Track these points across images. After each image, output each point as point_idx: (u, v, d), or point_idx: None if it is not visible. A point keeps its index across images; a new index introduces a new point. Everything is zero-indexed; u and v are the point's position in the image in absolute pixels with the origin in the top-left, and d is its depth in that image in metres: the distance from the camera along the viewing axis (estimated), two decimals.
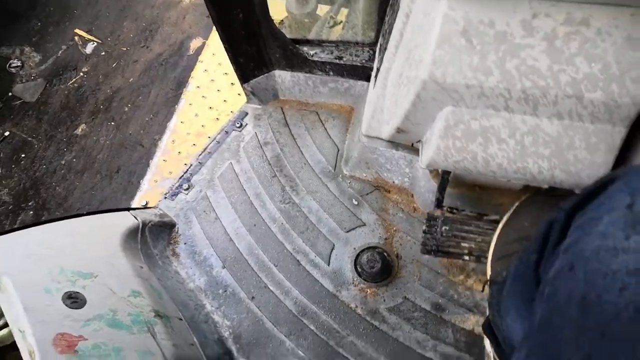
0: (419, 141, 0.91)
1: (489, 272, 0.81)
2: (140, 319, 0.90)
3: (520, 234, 0.80)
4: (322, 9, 1.36)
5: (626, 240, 0.35)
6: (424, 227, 0.93)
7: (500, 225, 0.83)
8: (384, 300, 1.04)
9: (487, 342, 0.80)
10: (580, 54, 0.64)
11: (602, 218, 0.38)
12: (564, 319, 0.36)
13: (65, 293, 0.83)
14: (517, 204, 0.82)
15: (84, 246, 0.95)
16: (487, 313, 0.77)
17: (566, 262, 0.39)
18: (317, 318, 1.03)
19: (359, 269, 1.05)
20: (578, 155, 0.71)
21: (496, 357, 0.84)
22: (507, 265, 0.78)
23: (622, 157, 0.72)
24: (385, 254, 1.07)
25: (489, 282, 0.80)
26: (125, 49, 2.00)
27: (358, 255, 1.07)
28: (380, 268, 1.02)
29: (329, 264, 1.07)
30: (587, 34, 0.63)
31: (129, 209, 1.09)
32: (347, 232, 1.10)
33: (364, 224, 1.11)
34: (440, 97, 0.73)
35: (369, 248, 1.07)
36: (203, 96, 1.42)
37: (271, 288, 1.06)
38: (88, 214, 1.02)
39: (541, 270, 0.46)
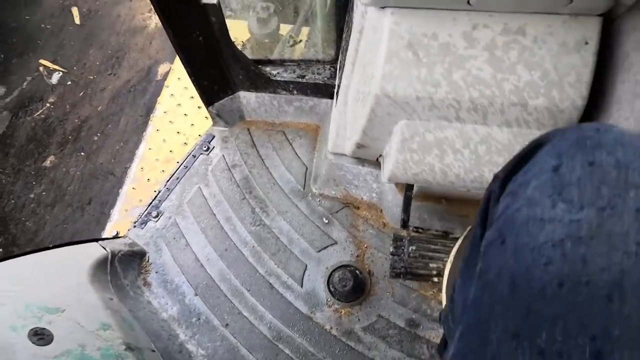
0: (381, 156, 0.92)
1: (444, 298, 0.78)
2: (110, 352, 0.88)
3: None
4: (285, 29, 1.38)
5: (552, 209, 0.34)
6: (390, 249, 0.92)
7: (454, 250, 0.82)
8: (359, 320, 1.03)
9: None
10: (520, 62, 0.65)
11: (529, 182, 0.36)
12: (495, 296, 0.35)
13: (31, 330, 0.81)
14: (469, 228, 0.80)
15: (50, 280, 0.93)
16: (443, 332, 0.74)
17: (497, 234, 0.37)
18: (293, 342, 1.02)
19: (332, 289, 1.05)
20: None
21: None
22: None
23: None
24: (357, 271, 1.06)
25: (441, 314, 0.77)
26: (92, 77, 1.98)
27: (330, 274, 1.07)
28: (352, 286, 1.01)
29: (302, 286, 1.07)
30: (524, 42, 0.64)
31: (97, 240, 1.08)
32: (319, 251, 1.10)
33: (335, 242, 1.10)
34: (393, 111, 0.73)
35: (341, 267, 1.07)
36: (170, 121, 1.41)
37: (245, 314, 1.05)
38: (55, 247, 0.99)
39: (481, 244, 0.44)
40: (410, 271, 0.89)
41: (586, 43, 0.64)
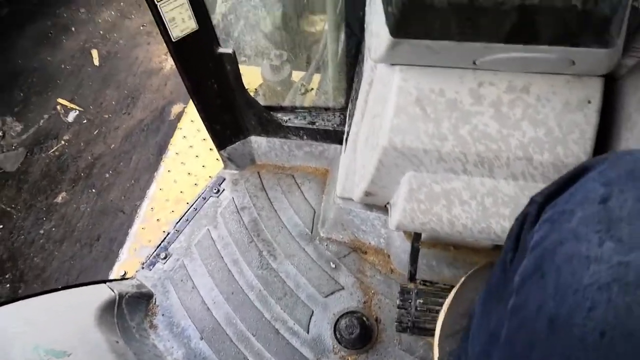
0: (389, 203, 0.93)
1: (435, 354, 0.76)
2: None
3: (467, 309, 0.74)
4: (297, 75, 1.42)
5: (599, 247, 0.31)
6: (398, 302, 0.92)
7: (449, 299, 0.79)
8: None
9: None
10: (524, 118, 0.67)
11: (574, 212, 0.34)
12: (532, 337, 0.33)
13: None
14: (463, 277, 0.80)
15: (58, 322, 0.93)
16: None
17: (535, 266, 0.35)
18: None
19: (339, 336, 1.04)
20: None
21: None
22: (456, 343, 0.72)
23: None
24: (364, 318, 1.05)
25: None
26: (107, 116, 2.04)
27: (337, 321, 1.06)
28: (359, 334, 1.00)
29: (308, 332, 1.06)
30: (528, 100, 0.66)
31: (105, 281, 1.08)
32: (326, 297, 1.09)
33: (343, 288, 1.10)
34: (401, 162, 0.75)
35: (348, 313, 1.06)
36: (182, 162, 1.44)
37: (250, 359, 1.04)
38: (63, 288, 1.00)
39: (512, 269, 0.41)
40: (417, 325, 0.88)
41: (589, 102, 0.66)
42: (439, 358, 0.74)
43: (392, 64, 0.70)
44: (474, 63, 0.63)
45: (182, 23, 0.87)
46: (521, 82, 0.67)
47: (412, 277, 0.92)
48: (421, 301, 0.89)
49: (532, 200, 0.41)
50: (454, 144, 0.70)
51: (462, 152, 0.70)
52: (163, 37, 0.88)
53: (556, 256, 0.33)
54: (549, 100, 0.67)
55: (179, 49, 0.93)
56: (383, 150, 0.74)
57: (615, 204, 0.32)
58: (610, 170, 0.34)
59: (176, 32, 0.87)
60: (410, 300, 0.90)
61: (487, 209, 0.75)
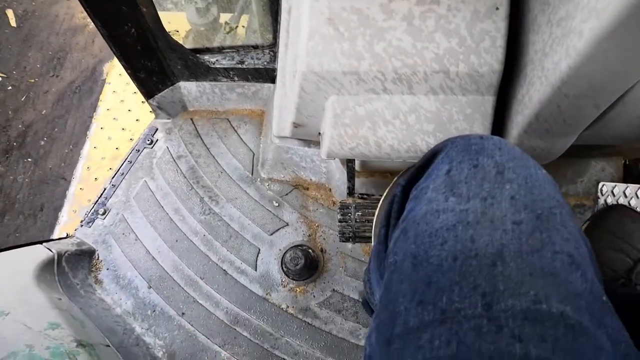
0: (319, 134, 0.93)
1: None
2: (60, 350, 0.87)
3: None
4: (225, 18, 1.37)
5: (445, 202, 0.41)
6: (338, 217, 0.94)
7: (380, 203, 0.87)
8: (314, 296, 1.05)
9: None
10: (437, 30, 0.67)
11: (429, 187, 0.44)
12: (401, 276, 0.40)
13: None
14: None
15: None
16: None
17: (402, 230, 0.44)
18: (250, 324, 1.03)
19: (285, 269, 1.06)
20: (459, 127, 0.75)
21: None
22: None
23: (498, 123, 0.76)
24: (309, 250, 1.08)
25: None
26: (33, 80, 1.93)
27: (283, 255, 1.08)
28: (304, 264, 1.02)
29: (256, 269, 1.07)
30: (439, 11, 0.66)
31: (41, 242, 1.05)
32: (271, 234, 1.11)
33: (287, 224, 1.12)
34: (322, 86, 0.75)
35: (293, 247, 1.08)
36: (114, 118, 1.39)
37: (200, 302, 1.05)
38: None
39: (389, 243, 0.51)
40: (358, 235, 0.91)
41: (497, 9, 0.67)
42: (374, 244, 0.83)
43: None
44: None
45: None
46: None
47: (350, 192, 0.95)
48: (359, 213, 0.92)
49: (397, 183, 0.53)
50: (370, 62, 0.70)
51: (379, 70, 0.70)
52: None
53: (416, 216, 0.43)
54: (459, 10, 0.67)
55: None
56: (302, 76, 0.73)
57: (455, 172, 0.43)
58: (452, 150, 0.45)
59: None
60: (349, 214, 0.92)
61: (410, 126, 0.76)
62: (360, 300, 1.02)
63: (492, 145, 0.44)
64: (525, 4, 0.68)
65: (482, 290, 0.34)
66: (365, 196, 0.96)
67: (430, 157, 0.48)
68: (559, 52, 0.57)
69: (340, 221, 0.94)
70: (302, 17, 0.70)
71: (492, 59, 0.68)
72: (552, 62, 0.59)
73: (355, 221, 0.93)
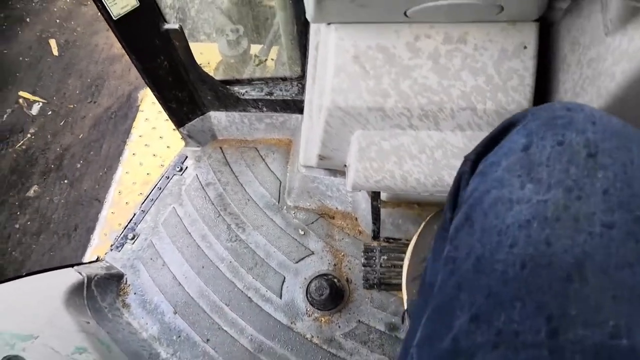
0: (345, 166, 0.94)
1: (405, 297, 0.80)
2: None
3: (429, 252, 0.79)
4: (256, 49, 1.41)
5: (521, 190, 0.33)
6: (362, 260, 0.93)
7: (411, 246, 0.83)
8: (339, 327, 1.04)
9: None
10: (464, 68, 0.67)
11: (499, 163, 0.36)
12: (459, 278, 0.35)
13: (5, 357, 0.82)
14: (423, 223, 0.82)
15: (23, 307, 0.93)
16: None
17: (465, 215, 0.37)
18: (274, 353, 1.03)
19: (310, 298, 1.06)
20: None
21: None
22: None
23: None
24: (335, 279, 1.07)
25: (405, 309, 0.77)
26: (72, 106, 2.01)
27: (309, 284, 1.08)
28: (329, 294, 1.02)
29: (280, 297, 1.08)
30: (465, 50, 0.67)
31: (72, 265, 1.09)
32: (297, 262, 1.11)
33: (313, 253, 1.12)
34: (347, 121, 0.76)
35: (318, 276, 1.08)
36: (146, 144, 1.43)
37: (225, 328, 1.06)
38: (28, 274, 1.00)
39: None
40: (383, 281, 0.90)
41: (525, 47, 0.67)
42: (407, 299, 0.78)
43: (329, 23, 0.70)
44: (406, 15, 0.63)
45: (121, 0, 0.86)
46: (457, 33, 0.67)
47: (375, 236, 0.94)
48: (385, 257, 0.91)
49: (466, 159, 0.43)
50: (396, 99, 0.71)
51: (405, 107, 0.71)
52: (103, 16, 0.87)
53: (483, 203, 0.35)
54: (486, 49, 0.67)
55: (121, 27, 0.91)
56: (327, 111, 0.75)
57: (535, 150, 0.34)
58: (532, 122, 0.36)
59: (116, 10, 0.86)
60: (374, 258, 0.92)
61: (437, 161, 0.76)
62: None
63: (583, 118, 0.35)
64: (554, 43, 0.68)
65: (548, 311, 0.28)
66: (391, 240, 0.95)
67: (505, 128, 0.40)
68: (590, 92, 0.57)
69: (364, 265, 0.93)
70: (328, 54, 0.71)
71: (520, 97, 0.68)
72: (582, 102, 0.59)
73: (381, 266, 0.92)
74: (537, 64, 0.68)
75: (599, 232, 0.30)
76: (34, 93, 2.04)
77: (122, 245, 1.16)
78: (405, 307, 0.80)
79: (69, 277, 1.02)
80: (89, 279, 1.04)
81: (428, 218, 0.83)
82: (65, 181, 1.86)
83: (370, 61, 0.69)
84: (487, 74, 0.68)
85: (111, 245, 1.16)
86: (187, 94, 1.13)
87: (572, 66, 0.63)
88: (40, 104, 2.01)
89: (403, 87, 0.70)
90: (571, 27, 0.64)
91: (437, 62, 0.68)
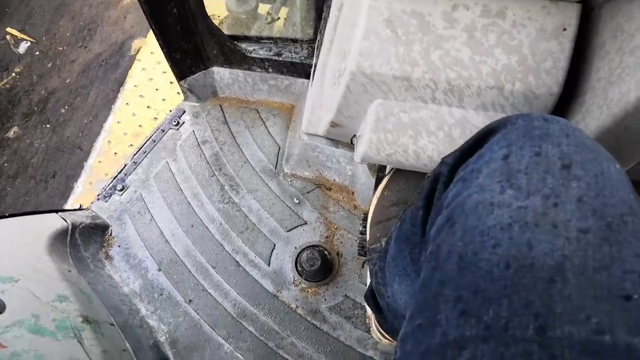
0: (354, 136, 0.91)
1: (368, 238, 0.80)
2: (66, 324, 0.85)
3: (398, 198, 0.80)
4: (264, 9, 1.35)
5: (501, 194, 0.35)
6: (360, 229, 0.92)
7: (379, 190, 0.83)
8: (325, 300, 1.03)
9: (368, 309, 0.78)
10: (498, 45, 0.65)
11: (481, 170, 0.38)
12: (443, 276, 0.36)
13: None
14: (392, 170, 0.82)
15: (5, 249, 0.89)
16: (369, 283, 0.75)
17: (447, 218, 0.39)
18: (257, 320, 1.01)
19: (299, 268, 1.04)
20: None
21: (377, 325, 0.85)
22: (384, 230, 0.78)
23: None
24: (325, 252, 1.05)
25: (367, 249, 0.80)
26: (61, 48, 1.92)
27: (299, 254, 1.06)
28: (319, 266, 1.00)
29: (269, 264, 1.05)
30: (503, 25, 0.64)
31: (57, 211, 1.04)
32: (288, 231, 1.09)
33: (305, 223, 1.09)
34: (369, 89, 0.72)
35: (309, 247, 1.06)
36: (141, 95, 1.37)
37: (209, 290, 1.03)
38: (11, 215, 0.95)
39: (428, 227, 0.46)
40: None
41: (564, 29, 0.64)
42: (368, 242, 0.80)
43: None
44: None
45: None
46: (496, 6, 0.64)
47: None
48: None
49: (443, 162, 0.46)
50: (424, 69, 0.68)
51: (432, 78, 0.68)
52: None
53: (465, 206, 0.37)
54: (524, 27, 0.65)
55: None
56: (351, 76, 0.71)
57: (514, 159, 0.37)
58: (511, 133, 0.39)
59: None
60: None
61: (454, 140, 0.74)
62: (365, 291, 0.95)
63: (558, 131, 0.38)
64: (594, 28, 0.65)
65: (535, 309, 0.30)
66: None
67: (484, 136, 0.42)
68: (628, 82, 0.55)
69: (361, 233, 0.91)
70: (360, 15, 0.68)
71: (551, 81, 0.66)
72: (618, 91, 0.57)
73: None
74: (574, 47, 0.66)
75: (576, 237, 0.32)
76: (22, 31, 1.94)
77: (110, 195, 1.11)
78: (367, 250, 0.82)
79: (53, 222, 0.98)
80: (74, 226, 1.00)
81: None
82: (48, 125, 1.79)
83: (403, 26, 0.66)
84: (521, 54, 0.65)
85: (98, 195, 1.11)
86: (192, 45, 1.07)
87: (611, 53, 0.61)
88: (29, 43, 1.92)
89: (433, 57, 0.67)
90: (616, 13, 0.61)
91: (472, 35, 0.65)
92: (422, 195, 0.48)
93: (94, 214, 1.09)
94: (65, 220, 1.01)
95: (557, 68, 0.65)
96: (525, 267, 0.32)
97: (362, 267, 0.99)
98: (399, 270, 0.56)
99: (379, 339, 0.91)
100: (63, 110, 1.82)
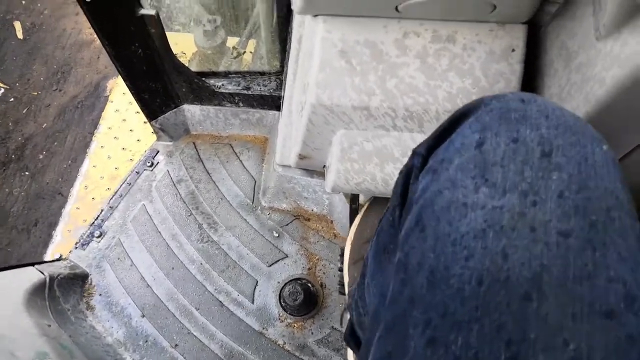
0: (325, 166, 0.91)
1: (346, 281, 0.77)
2: None
3: (373, 233, 0.78)
4: (233, 42, 1.36)
5: (475, 193, 0.31)
6: (339, 265, 0.91)
7: (354, 227, 0.82)
8: (312, 333, 1.01)
9: (349, 352, 0.75)
10: (451, 69, 0.65)
11: (452, 160, 0.34)
12: (413, 293, 0.32)
13: None
14: (367, 203, 0.81)
15: None
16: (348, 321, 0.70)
17: (416, 218, 0.35)
18: (245, 359, 0.99)
19: (283, 304, 1.03)
20: None
21: None
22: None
23: None
24: (308, 284, 1.04)
25: (347, 292, 0.75)
26: (36, 93, 1.91)
27: (282, 289, 1.04)
28: (303, 300, 0.99)
29: (253, 302, 1.04)
30: (454, 50, 0.65)
31: (33, 264, 1.02)
32: (270, 266, 1.07)
33: (287, 256, 1.08)
34: (330, 120, 0.73)
35: (292, 280, 1.05)
36: (115, 137, 1.37)
37: (195, 333, 1.01)
38: None
39: (400, 225, 0.40)
40: None
41: (513, 50, 0.65)
42: (348, 283, 0.77)
43: (316, 15, 0.66)
44: (397, 10, 0.60)
45: None
46: (446, 32, 0.65)
47: None
48: None
49: (415, 152, 0.41)
50: (382, 98, 0.68)
51: (390, 106, 0.68)
52: None
53: (435, 206, 0.33)
54: (474, 50, 0.65)
55: (94, 10, 0.86)
56: (311, 108, 0.71)
57: (489, 147, 0.32)
58: (485, 115, 0.34)
59: None
60: None
61: None
62: (345, 331, 0.82)
63: (536, 112, 0.33)
64: (541, 46, 0.66)
65: (507, 334, 0.27)
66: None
67: (456, 119, 0.37)
68: (577, 98, 0.56)
69: (340, 270, 0.90)
70: (314, 48, 0.68)
71: None
72: (569, 107, 0.57)
73: None
74: (524, 67, 0.66)
75: (556, 242, 0.29)
76: None
77: (88, 243, 1.10)
78: (346, 292, 0.78)
79: (30, 276, 0.96)
80: (52, 278, 0.98)
81: (372, 199, 0.81)
82: (27, 173, 1.77)
83: (357, 57, 0.66)
84: (474, 76, 0.66)
85: (76, 243, 1.10)
86: (161, 84, 1.08)
87: (559, 71, 0.62)
88: (2, 89, 1.91)
89: (389, 85, 0.67)
90: (560, 31, 0.62)
91: (424, 61, 0.66)
92: (397, 193, 0.44)
93: (72, 263, 1.07)
94: (43, 273, 0.99)
95: (510, 88, 0.66)
96: (499, 282, 0.28)
97: (342, 316, 0.97)
98: (380, 288, 0.49)
99: None
100: (41, 156, 1.80)
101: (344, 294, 0.85)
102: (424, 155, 0.39)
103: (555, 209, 0.29)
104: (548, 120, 0.32)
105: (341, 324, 1.01)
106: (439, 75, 0.66)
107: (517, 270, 0.28)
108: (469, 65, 0.65)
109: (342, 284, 0.87)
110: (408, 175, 0.42)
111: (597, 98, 0.51)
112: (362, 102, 0.69)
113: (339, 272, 0.88)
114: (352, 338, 0.64)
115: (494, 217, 0.30)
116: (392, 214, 0.44)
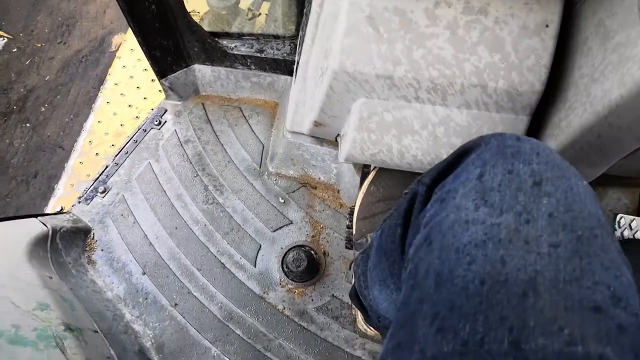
0: (339, 135, 0.90)
1: (354, 233, 0.81)
2: (47, 333, 0.83)
3: (384, 194, 0.81)
4: (245, 3, 1.33)
5: (475, 211, 0.37)
6: (347, 222, 0.91)
7: (365, 185, 0.83)
8: (312, 300, 1.02)
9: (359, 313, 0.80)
10: (481, 43, 0.64)
11: (457, 190, 0.40)
12: (422, 294, 0.37)
13: None
14: (377, 168, 0.82)
15: None
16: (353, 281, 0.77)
17: (426, 237, 0.40)
18: (244, 322, 0.99)
19: (286, 269, 1.03)
20: None
21: (362, 321, 0.87)
22: (371, 226, 0.80)
23: None
24: (312, 252, 1.04)
25: (353, 244, 0.82)
26: (40, 45, 1.87)
27: (285, 254, 1.04)
28: (306, 267, 0.99)
29: (255, 266, 1.04)
30: (486, 22, 0.63)
31: (36, 215, 1.01)
32: (274, 231, 1.07)
33: (291, 222, 1.08)
34: (352, 87, 0.71)
35: (295, 247, 1.05)
36: (122, 94, 1.35)
37: (195, 293, 1.02)
38: None
39: (407, 244, 0.48)
40: None
41: (547, 26, 0.63)
42: (354, 236, 0.82)
43: None
44: None
45: None
46: (479, 3, 0.63)
47: None
48: None
49: (420, 182, 0.47)
50: (407, 68, 0.66)
51: (414, 77, 0.67)
52: None
53: (442, 226, 0.39)
54: (507, 24, 0.64)
55: None
56: (333, 74, 0.70)
57: (488, 177, 0.38)
58: (485, 152, 0.40)
59: None
60: None
61: (438, 138, 0.73)
62: (350, 289, 0.93)
63: (529, 149, 0.39)
64: (576, 24, 0.65)
65: (509, 323, 0.31)
66: None
67: (460, 156, 0.44)
68: (612, 79, 0.54)
69: (348, 227, 0.91)
70: (341, 12, 0.66)
71: (534, 78, 0.65)
72: (601, 89, 0.56)
73: None
74: (556, 44, 0.65)
75: (547, 252, 0.34)
76: None
77: (92, 198, 1.09)
78: (353, 245, 0.84)
79: (33, 227, 0.95)
80: (54, 231, 0.97)
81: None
82: (28, 124, 1.75)
83: (385, 24, 0.64)
84: (504, 51, 0.64)
85: (79, 197, 1.09)
86: (173, 42, 1.05)
87: (593, 49, 0.60)
88: (5, 39, 1.87)
89: (416, 56, 0.65)
90: (597, 8, 0.61)
91: (454, 32, 0.64)
92: (400, 212, 0.50)
93: (75, 217, 1.07)
94: (45, 225, 0.99)
95: (540, 65, 0.64)
96: (499, 282, 0.33)
97: (349, 268, 0.99)
98: (379, 279, 0.57)
99: (365, 330, 0.91)
100: (43, 109, 1.78)
101: (350, 248, 0.88)
102: (428, 185, 0.46)
103: (545, 226, 0.35)
104: (539, 157, 0.38)
105: (347, 278, 1.03)
106: (468, 48, 0.64)
107: (515, 274, 0.33)
108: (499, 39, 0.63)
109: (349, 239, 0.88)
110: (412, 200, 0.48)
111: (635, 80, 0.50)
112: (386, 71, 0.67)
113: (347, 229, 0.89)
114: (356, 297, 0.72)
115: (493, 232, 0.35)
116: (395, 230, 0.50)
